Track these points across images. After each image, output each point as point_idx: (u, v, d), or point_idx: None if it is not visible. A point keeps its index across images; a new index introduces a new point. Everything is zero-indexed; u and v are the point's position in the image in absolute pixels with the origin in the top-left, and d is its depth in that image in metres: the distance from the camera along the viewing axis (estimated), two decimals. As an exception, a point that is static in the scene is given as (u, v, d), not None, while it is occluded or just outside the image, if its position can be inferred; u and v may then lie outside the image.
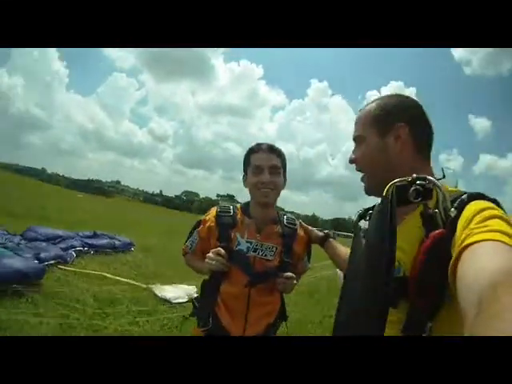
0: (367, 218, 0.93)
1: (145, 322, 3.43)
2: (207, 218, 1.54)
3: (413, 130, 0.86)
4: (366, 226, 0.87)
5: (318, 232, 1.53)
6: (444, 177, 0.81)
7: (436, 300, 0.66)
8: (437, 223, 0.68)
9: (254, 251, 1.42)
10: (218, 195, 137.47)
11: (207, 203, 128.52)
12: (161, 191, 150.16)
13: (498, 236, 0.56)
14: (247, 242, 1.43)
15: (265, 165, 1.42)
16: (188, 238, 1.64)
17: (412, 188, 0.70)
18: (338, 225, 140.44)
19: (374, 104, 0.93)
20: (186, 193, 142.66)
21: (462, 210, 0.67)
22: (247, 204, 1.55)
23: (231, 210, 1.52)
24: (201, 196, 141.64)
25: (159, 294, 4.26)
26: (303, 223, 1.57)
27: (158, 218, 24.15)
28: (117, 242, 6.61)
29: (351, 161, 0.95)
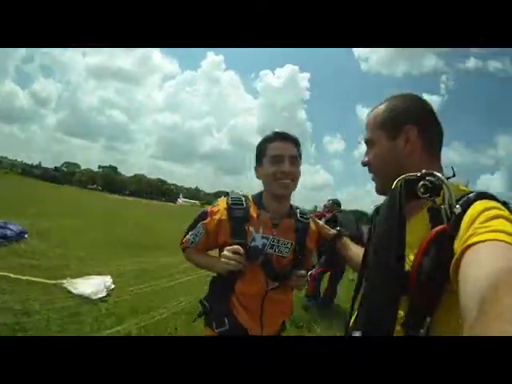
0: None
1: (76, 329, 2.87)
2: (216, 209, 1.40)
3: (421, 131, 0.87)
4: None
5: (329, 229, 1.44)
6: (454, 175, 0.82)
7: (435, 295, 0.67)
8: (442, 219, 0.69)
9: (271, 248, 1.33)
10: (99, 166, 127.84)
11: (88, 175, 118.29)
12: (40, 162, 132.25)
13: (501, 236, 0.57)
14: (263, 237, 1.33)
15: (285, 154, 1.34)
16: (189, 230, 1.48)
17: (421, 183, 0.71)
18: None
19: (382, 106, 0.93)
20: (67, 164, 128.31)
21: (468, 208, 0.67)
22: (259, 195, 1.45)
23: (243, 202, 1.39)
24: (82, 167, 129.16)
25: (74, 291, 3.73)
26: (315, 218, 1.49)
27: (43, 195, 21.15)
28: (8, 232, 5.45)
29: (364, 163, 0.96)
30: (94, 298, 3.69)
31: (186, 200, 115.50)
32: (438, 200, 0.71)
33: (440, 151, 0.89)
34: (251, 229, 1.34)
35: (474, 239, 0.58)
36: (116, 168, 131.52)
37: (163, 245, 8.03)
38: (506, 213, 0.64)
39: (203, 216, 1.43)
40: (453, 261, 0.61)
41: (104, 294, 3.84)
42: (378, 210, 0.93)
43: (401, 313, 0.69)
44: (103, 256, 6.01)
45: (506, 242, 0.55)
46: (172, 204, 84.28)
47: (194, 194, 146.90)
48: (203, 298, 1.46)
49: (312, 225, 1.46)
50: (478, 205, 0.67)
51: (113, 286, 4.17)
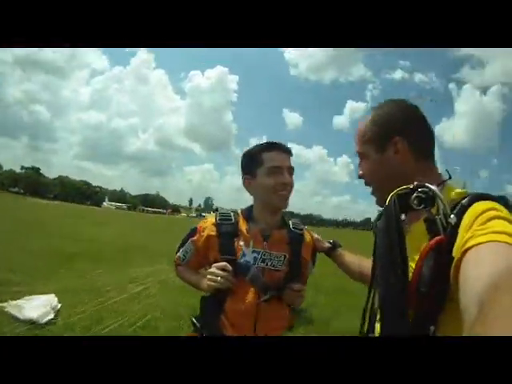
0: None
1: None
2: (204, 226, 1.39)
3: (410, 139, 0.86)
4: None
5: (323, 242, 1.44)
6: (450, 177, 0.82)
7: (437, 305, 0.66)
8: (438, 229, 0.68)
9: (263, 262, 1.29)
10: (22, 167, 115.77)
11: (11, 178, 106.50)
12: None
13: (500, 237, 0.56)
14: (254, 251, 1.29)
15: (283, 165, 1.32)
16: (180, 248, 1.47)
17: (414, 195, 0.72)
18: (147, 201, 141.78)
19: (368, 119, 0.93)
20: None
21: (462, 216, 0.67)
22: (249, 209, 1.42)
23: (232, 217, 1.37)
24: (4, 168, 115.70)
25: (20, 316, 3.40)
26: (309, 230, 1.47)
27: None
28: None
29: (359, 176, 0.96)
30: (42, 321, 3.41)
31: (112, 203, 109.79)
32: (434, 210, 0.71)
33: (433, 153, 0.89)
34: (241, 243, 1.31)
35: (474, 241, 0.58)
36: (39, 169, 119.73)
37: (96, 255, 7.85)
38: (503, 213, 0.64)
39: (192, 233, 1.42)
40: (453, 263, 0.61)
41: (52, 315, 3.62)
42: (379, 217, 0.90)
43: None
44: (39, 270, 5.64)
45: (506, 242, 0.55)
46: (97, 208, 79.41)
47: (119, 196, 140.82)
48: (194, 317, 1.41)
49: (307, 235, 1.43)
50: (475, 207, 0.67)
51: (59, 306, 3.95)
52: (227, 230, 1.34)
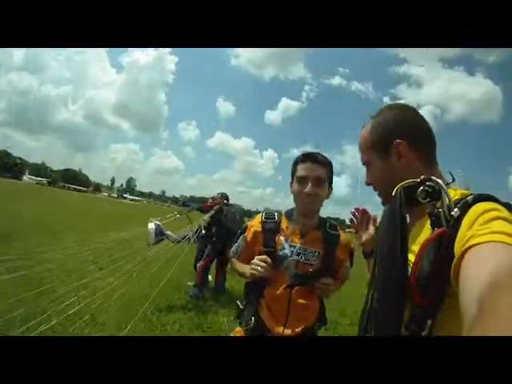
0: None
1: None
2: (252, 223, 1.65)
3: (412, 142, 0.86)
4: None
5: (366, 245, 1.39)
6: (454, 180, 0.82)
7: (435, 298, 0.66)
8: (441, 223, 0.69)
9: (298, 255, 1.50)
10: None
11: None
12: None
13: (501, 237, 0.56)
14: (291, 246, 1.51)
15: (309, 176, 1.49)
16: (234, 243, 1.75)
17: (420, 188, 0.73)
18: (69, 177, 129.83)
19: (368, 127, 0.94)
20: None
21: (466, 211, 0.67)
22: (291, 210, 1.63)
23: (276, 217, 1.61)
24: None
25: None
26: (346, 232, 1.64)
27: None
28: None
29: (367, 184, 0.98)
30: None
31: (33, 177, 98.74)
32: (438, 204, 0.71)
33: (435, 155, 0.89)
34: (281, 238, 1.54)
35: (474, 241, 0.58)
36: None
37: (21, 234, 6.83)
38: (505, 214, 0.64)
39: (244, 230, 1.70)
40: (453, 262, 0.61)
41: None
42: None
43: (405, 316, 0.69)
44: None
45: (506, 243, 0.55)
46: (18, 181, 70.75)
47: (40, 170, 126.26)
48: (239, 301, 1.66)
49: (343, 237, 1.60)
50: (478, 207, 0.67)
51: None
52: (270, 227, 1.58)
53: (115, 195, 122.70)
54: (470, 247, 0.58)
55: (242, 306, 1.61)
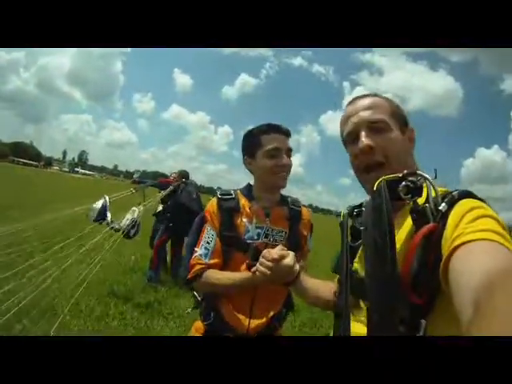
0: (355, 215, 0.90)
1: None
2: (209, 207, 1.42)
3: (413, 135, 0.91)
4: (358, 224, 0.86)
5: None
6: (436, 177, 0.77)
7: (428, 297, 0.64)
8: (427, 218, 0.67)
9: (266, 237, 1.34)
10: None
11: None
12: None
13: (489, 235, 0.56)
14: (257, 227, 1.34)
15: (282, 147, 1.36)
16: (193, 244, 1.41)
17: (402, 183, 0.71)
18: (19, 150, 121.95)
19: (388, 98, 0.91)
20: None
21: (453, 206, 0.66)
22: (248, 187, 1.47)
23: (233, 193, 1.42)
24: None
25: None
26: (306, 207, 1.52)
27: None
28: None
29: (369, 147, 0.83)
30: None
31: None
32: (420, 200, 0.70)
33: None
34: (244, 220, 1.35)
35: (463, 239, 0.57)
36: None
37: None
38: (491, 211, 0.64)
39: (203, 220, 1.41)
40: (442, 261, 0.60)
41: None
42: (349, 214, 0.91)
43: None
44: None
45: (495, 240, 0.55)
46: None
47: None
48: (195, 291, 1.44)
49: (304, 212, 1.48)
50: (464, 203, 0.66)
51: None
52: (228, 205, 1.37)
53: (67, 169, 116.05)
54: (458, 246, 0.57)
55: (199, 298, 1.42)
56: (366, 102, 0.89)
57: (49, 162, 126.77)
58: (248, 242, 1.32)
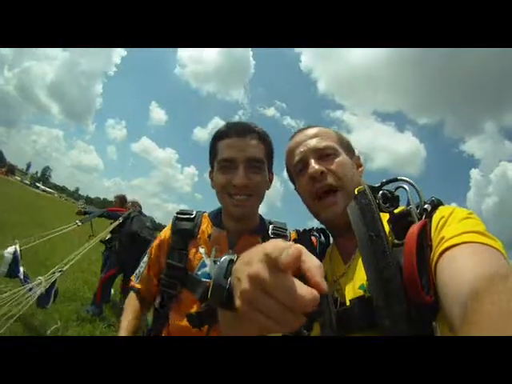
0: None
1: None
2: (163, 231, 1.16)
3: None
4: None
5: None
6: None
7: (432, 296, 0.59)
8: (412, 218, 0.66)
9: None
10: None
11: None
12: None
13: (474, 237, 0.56)
14: (216, 262, 1.01)
15: (238, 157, 0.98)
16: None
17: (381, 192, 0.71)
18: None
19: (329, 129, 0.92)
20: None
21: (436, 208, 0.68)
22: (218, 212, 1.14)
23: (194, 214, 1.12)
24: None
25: None
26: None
27: None
28: None
29: (320, 172, 0.82)
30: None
31: None
32: (397, 211, 0.69)
33: None
34: (201, 251, 1.05)
35: (449, 243, 0.57)
36: None
37: None
38: (473, 214, 0.65)
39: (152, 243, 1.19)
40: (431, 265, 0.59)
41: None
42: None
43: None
44: None
45: (481, 242, 0.55)
46: None
47: None
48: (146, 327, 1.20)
49: (293, 237, 1.09)
50: (445, 207, 0.68)
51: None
52: (184, 227, 1.08)
53: (27, 182, 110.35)
54: (445, 250, 0.57)
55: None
56: (312, 131, 0.90)
57: (12, 170, 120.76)
58: (201, 280, 1.02)
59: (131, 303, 1.17)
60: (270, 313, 0.36)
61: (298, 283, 0.35)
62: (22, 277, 2.70)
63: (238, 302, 0.39)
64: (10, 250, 2.80)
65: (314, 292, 0.35)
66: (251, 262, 0.39)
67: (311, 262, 0.37)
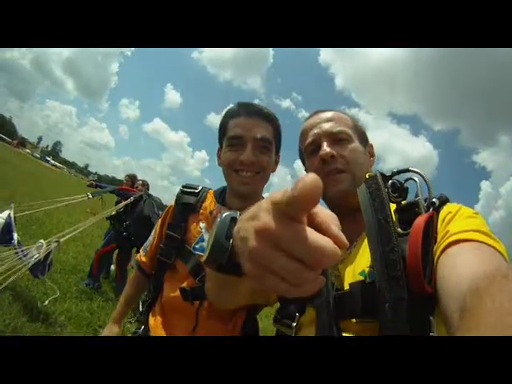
0: None
1: None
2: (169, 205, 1.19)
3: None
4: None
5: None
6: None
7: (432, 290, 0.58)
8: (418, 211, 0.66)
9: None
10: None
11: None
12: None
13: (479, 236, 0.56)
14: None
15: (247, 136, 0.99)
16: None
17: (390, 181, 0.71)
18: None
19: (348, 115, 0.92)
20: None
21: (444, 204, 0.68)
22: (223, 190, 1.15)
23: (198, 189, 1.13)
24: None
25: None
26: None
27: None
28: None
29: (331, 155, 0.82)
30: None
31: None
32: (404, 202, 0.70)
33: None
34: (201, 225, 1.07)
35: (454, 237, 0.57)
36: None
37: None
38: (479, 214, 0.65)
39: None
40: (434, 259, 0.59)
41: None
42: None
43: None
44: None
45: (482, 241, 0.55)
46: None
47: None
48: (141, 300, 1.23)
49: None
50: (453, 204, 0.68)
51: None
52: (187, 201, 1.10)
53: (38, 155, 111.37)
54: (448, 246, 0.57)
55: (142, 309, 1.20)
56: (328, 115, 0.89)
57: (23, 143, 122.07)
58: (195, 252, 1.04)
59: (133, 276, 1.26)
60: (286, 273, 0.30)
61: (315, 234, 0.29)
62: (15, 243, 2.51)
63: (247, 266, 0.33)
64: (3, 214, 2.61)
65: (336, 244, 0.29)
66: (257, 215, 0.32)
67: (325, 213, 0.32)
